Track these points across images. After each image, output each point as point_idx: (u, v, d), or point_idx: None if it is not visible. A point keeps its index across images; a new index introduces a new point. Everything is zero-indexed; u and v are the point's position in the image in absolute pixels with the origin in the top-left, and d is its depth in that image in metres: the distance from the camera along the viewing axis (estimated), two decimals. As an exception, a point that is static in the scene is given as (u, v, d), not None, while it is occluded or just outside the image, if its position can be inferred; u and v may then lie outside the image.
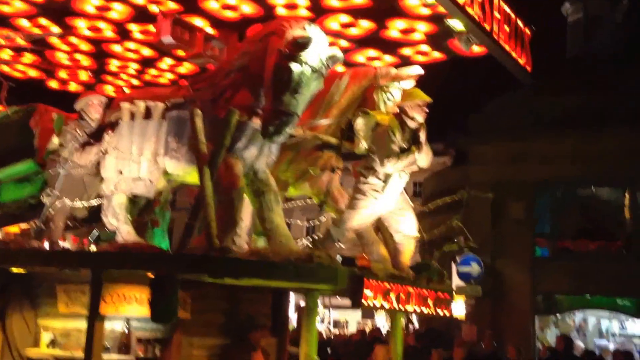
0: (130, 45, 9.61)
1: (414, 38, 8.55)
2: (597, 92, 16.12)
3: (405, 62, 9.09)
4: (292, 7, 7.88)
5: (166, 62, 10.36)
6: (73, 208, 7.42)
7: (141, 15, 8.41)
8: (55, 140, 7.47)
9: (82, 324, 7.12)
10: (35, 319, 7.44)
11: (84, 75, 11.29)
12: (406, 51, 9.00)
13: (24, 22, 8.93)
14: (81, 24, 8.87)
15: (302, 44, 5.83)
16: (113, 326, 6.98)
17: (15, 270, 6.84)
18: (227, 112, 5.47)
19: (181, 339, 6.26)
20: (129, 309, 6.04)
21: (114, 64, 10.60)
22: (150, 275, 5.39)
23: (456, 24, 7.43)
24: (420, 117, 6.68)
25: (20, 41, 8.48)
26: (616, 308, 16.23)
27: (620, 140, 15.27)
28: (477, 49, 8.11)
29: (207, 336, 6.57)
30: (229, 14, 8.15)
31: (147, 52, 9.86)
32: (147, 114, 6.82)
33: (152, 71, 10.84)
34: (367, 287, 5.47)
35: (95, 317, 5.61)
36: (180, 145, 6.60)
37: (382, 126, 6.69)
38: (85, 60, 10.45)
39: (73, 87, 11.81)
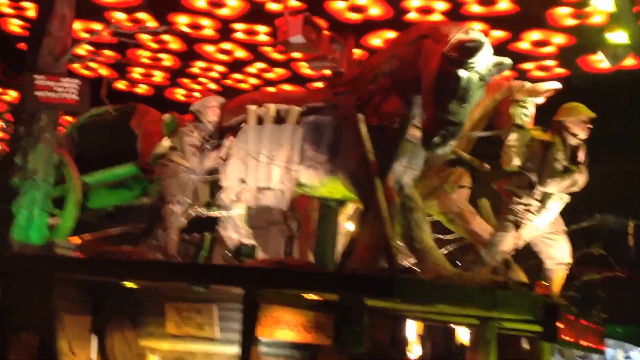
0: (226, 45, 9.42)
1: (542, 51, 8.33)
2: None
3: (521, 77, 8.87)
4: (426, 11, 7.67)
5: (256, 67, 10.18)
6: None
7: (253, 14, 8.22)
8: (165, 143, 7.22)
9: (195, 347, 6.85)
10: (137, 340, 7.16)
11: (158, 77, 11.14)
12: (527, 65, 8.77)
13: (119, 15, 8.74)
14: (182, 20, 8.67)
15: (472, 49, 5.57)
16: (228, 350, 6.69)
17: (128, 284, 6.55)
18: (402, 120, 5.19)
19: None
20: (282, 334, 5.73)
21: (197, 66, 10.42)
22: (311, 296, 5.11)
23: (617, 36, 7.17)
24: (583, 134, 6.41)
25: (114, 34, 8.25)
26: (621, 337, 15.82)
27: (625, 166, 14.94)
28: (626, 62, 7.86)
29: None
30: (352, 16, 7.94)
31: (241, 54, 9.68)
32: (279, 118, 6.56)
33: (237, 75, 10.67)
34: (562, 320, 5.15)
35: (250, 341, 5.28)
36: (318, 153, 6.33)
37: (541, 142, 6.42)
38: (168, 61, 10.27)
39: (142, 89, 11.66)
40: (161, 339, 7.05)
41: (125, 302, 7.24)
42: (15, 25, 9.12)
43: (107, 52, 9.99)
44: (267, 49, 9.37)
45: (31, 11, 8.69)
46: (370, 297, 4.61)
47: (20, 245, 7.28)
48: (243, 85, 10.95)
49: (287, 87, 10.74)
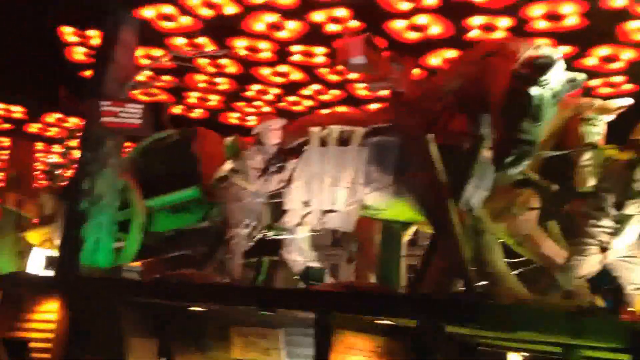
0: (283, 68, 9.52)
1: (610, 67, 8.17)
2: None
3: (587, 94, 8.70)
4: (489, 28, 7.62)
5: (311, 88, 10.25)
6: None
7: (312, 35, 8.30)
8: (227, 166, 7.30)
9: (260, 371, 6.89)
10: (202, 362, 7.22)
11: (214, 101, 11.30)
12: (594, 82, 8.59)
13: (179, 40, 8.93)
14: (240, 44, 8.82)
15: (544, 66, 5.49)
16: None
17: (195, 308, 6.62)
18: (475, 139, 5.13)
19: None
20: None
21: (253, 89, 10.55)
22: (383, 321, 5.05)
23: None
24: (663, 153, 6.22)
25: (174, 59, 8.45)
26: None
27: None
28: None
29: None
30: (411, 35, 7.95)
31: (297, 76, 9.76)
32: (343, 140, 6.58)
33: (292, 97, 10.75)
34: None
35: None
36: (383, 175, 6.32)
37: (619, 162, 6.26)
38: (225, 84, 10.43)
39: (196, 113, 11.84)
40: (226, 362, 7.12)
41: (190, 325, 7.31)
42: (79, 54, 9.41)
43: (165, 77, 10.20)
44: (324, 70, 9.43)
45: (95, 39, 8.95)
46: (452, 323, 4.52)
47: (87, 268, 7.44)
48: (297, 108, 11.02)
49: (342, 108, 10.77)
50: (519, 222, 7.12)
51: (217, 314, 6.91)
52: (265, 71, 9.73)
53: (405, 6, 7.44)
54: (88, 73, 10.24)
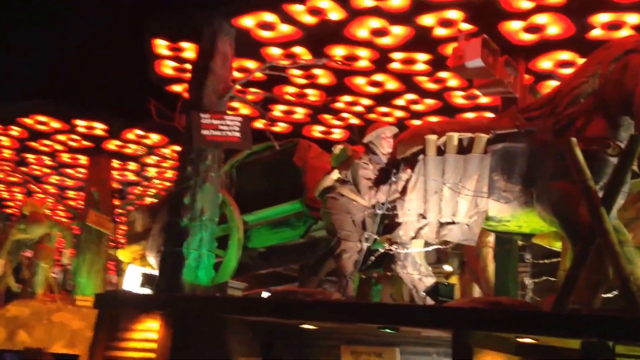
0: (378, 77, 9.45)
1: None
2: None
3: None
4: (615, 26, 7.38)
5: (405, 98, 10.14)
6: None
7: (416, 41, 8.21)
8: (333, 176, 7.22)
9: (376, 393, 6.73)
10: (309, 385, 7.12)
11: (299, 114, 11.30)
12: None
13: (274, 51, 8.95)
14: (339, 52, 8.78)
15: (693, 62, 5.25)
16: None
17: (307, 326, 6.52)
18: (632, 142, 4.89)
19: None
20: None
21: (342, 100, 10.51)
22: (527, 340, 4.84)
23: None
24: None
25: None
26: None
27: None
28: None
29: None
30: (525, 37, 7.76)
31: (392, 85, 9.67)
32: (463, 147, 6.42)
33: (383, 108, 10.66)
34: None
35: None
36: (510, 183, 6.15)
37: None
38: (314, 96, 10.41)
39: (280, 127, 11.86)
40: (336, 386, 6.98)
41: (296, 344, 7.22)
42: (169, 67, 9.54)
43: (254, 90, 10.26)
44: (422, 78, 9.31)
45: (187, 52, 9.06)
46: (622, 342, 4.28)
47: (190, 286, 7.44)
48: (387, 119, 10.91)
49: (434, 119, 10.62)
50: (643, 232, 6.84)
51: (327, 332, 6.79)
52: (359, 81, 9.66)
53: (527, 5, 7.26)
54: (177, 88, 10.45)
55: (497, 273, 7.31)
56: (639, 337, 4.22)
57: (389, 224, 6.90)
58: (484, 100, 9.73)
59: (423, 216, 6.57)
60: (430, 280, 6.55)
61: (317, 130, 11.90)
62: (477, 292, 7.93)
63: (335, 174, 7.27)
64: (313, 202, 7.70)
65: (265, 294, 8.36)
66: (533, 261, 7.93)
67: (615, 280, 5.17)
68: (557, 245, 7.42)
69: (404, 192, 6.75)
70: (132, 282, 8.43)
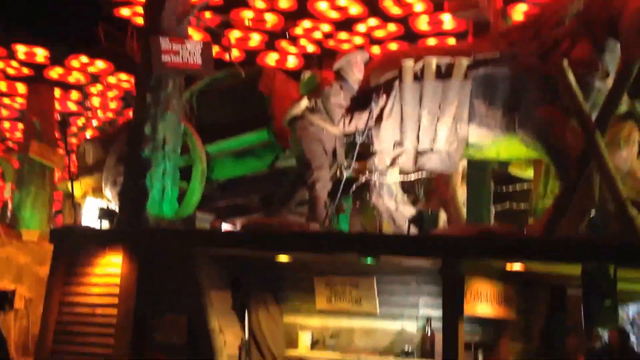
0: (342, 1, 9.07)
1: None
2: None
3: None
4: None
5: (367, 24, 9.81)
6: None
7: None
8: (303, 104, 6.92)
9: (353, 323, 6.65)
10: (281, 316, 6.98)
11: (255, 41, 10.84)
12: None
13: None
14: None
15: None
16: (390, 326, 6.46)
17: (281, 258, 6.34)
18: (627, 66, 4.77)
19: (510, 344, 5.68)
20: (483, 308, 5.45)
21: (302, 26, 10.10)
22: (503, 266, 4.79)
23: None
24: None
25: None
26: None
27: None
28: None
29: (527, 342, 6.00)
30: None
31: (355, 10, 9.32)
32: (442, 73, 6.22)
33: (343, 35, 10.32)
34: None
35: (455, 318, 4.99)
36: (492, 109, 6.00)
37: None
38: (272, 22, 9.96)
39: (234, 54, 11.38)
40: (309, 315, 6.88)
41: (267, 277, 7.06)
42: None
43: (209, 15, 9.74)
44: (388, 3, 8.99)
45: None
46: (624, 266, 4.26)
47: (155, 219, 7.13)
48: (346, 46, 10.59)
49: (395, 46, 10.36)
50: (621, 157, 6.86)
51: (299, 264, 6.64)
52: (322, 5, 9.27)
53: None
54: (125, 12, 9.81)
55: (470, 200, 7.25)
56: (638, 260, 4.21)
57: (362, 152, 6.72)
58: (448, 26, 9.51)
59: (400, 144, 6.41)
60: (407, 210, 6.44)
61: (272, 59, 11.49)
62: (442, 219, 7.90)
63: (304, 102, 6.98)
64: (281, 131, 7.41)
65: (225, 226, 8.13)
66: (496, 188, 7.92)
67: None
68: (529, 173, 7.41)
69: (378, 120, 6.55)
70: (90, 216, 8.04)
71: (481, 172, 7.23)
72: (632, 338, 14.33)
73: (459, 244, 4.90)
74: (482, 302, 5.34)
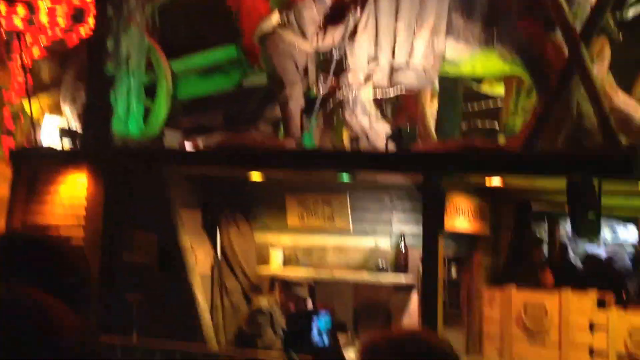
0: None
1: None
2: None
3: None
4: None
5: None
6: None
7: None
8: (273, 19, 6.68)
9: (325, 240, 6.67)
10: (252, 233, 6.95)
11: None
12: None
13: None
14: None
15: None
16: (363, 242, 6.50)
17: (255, 177, 6.25)
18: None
19: (482, 258, 5.78)
20: (461, 223, 5.48)
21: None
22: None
23: None
24: None
25: None
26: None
27: None
28: None
29: (496, 256, 6.12)
30: None
31: None
32: (419, -16, 6.05)
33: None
34: None
35: (434, 234, 5.00)
36: (470, 23, 5.90)
37: None
38: None
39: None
40: (281, 232, 6.87)
41: (237, 195, 6.99)
42: None
43: None
44: None
45: None
46: (607, 177, 4.30)
47: (121, 138, 6.90)
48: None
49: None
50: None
51: (271, 182, 6.57)
52: None
53: None
54: None
55: (442, 117, 7.21)
56: (623, 172, 4.26)
57: (335, 68, 6.57)
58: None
59: (374, 59, 6.29)
60: (382, 127, 6.38)
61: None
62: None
63: (275, 17, 6.73)
64: (250, 48, 7.16)
65: (187, 145, 7.93)
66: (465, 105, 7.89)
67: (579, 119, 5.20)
68: (498, 90, 7.39)
69: (352, 34, 6.38)
70: (49, 135, 7.73)
71: (453, 89, 7.17)
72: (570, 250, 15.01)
73: (442, 159, 4.87)
74: (461, 217, 5.39)
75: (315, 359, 2.35)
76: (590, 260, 12.02)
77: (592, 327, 6.08)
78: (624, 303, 6.98)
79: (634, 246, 16.21)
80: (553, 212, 10.08)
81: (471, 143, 5.12)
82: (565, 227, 9.25)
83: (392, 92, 6.69)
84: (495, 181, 5.27)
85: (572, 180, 4.34)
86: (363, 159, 5.42)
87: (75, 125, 7.55)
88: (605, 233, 17.07)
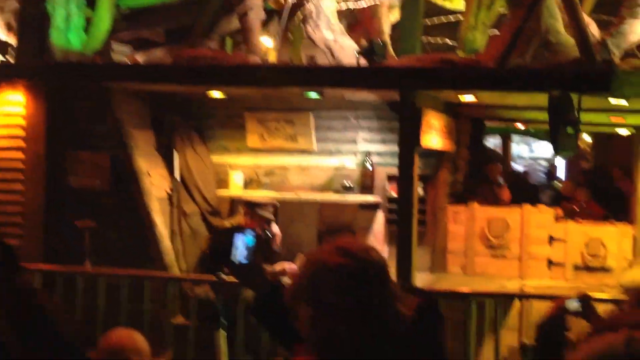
0: None
1: None
2: None
3: None
4: None
5: None
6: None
7: None
8: None
9: (289, 161, 6.45)
10: (209, 155, 6.63)
11: None
12: None
13: None
14: None
15: None
16: (326, 162, 6.32)
17: (214, 95, 5.87)
18: None
19: (446, 176, 5.74)
20: (433, 140, 5.32)
21: None
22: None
23: None
24: None
25: None
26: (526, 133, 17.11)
27: None
28: None
29: (456, 172, 6.10)
30: None
31: None
32: None
33: None
34: None
35: (411, 152, 4.83)
36: None
37: None
38: None
39: None
40: (240, 153, 6.59)
41: (192, 114, 6.62)
42: None
43: None
44: None
45: None
46: (586, 93, 4.26)
47: (62, 51, 6.30)
48: None
49: None
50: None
51: (229, 100, 6.22)
52: None
53: None
54: None
55: (404, 34, 6.98)
56: (601, 88, 4.23)
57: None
58: None
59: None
60: (347, 41, 6.11)
61: None
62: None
63: None
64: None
65: (136, 59, 7.41)
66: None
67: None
68: (456, 5, 7.21)
69: (316, -59, 5.99)
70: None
71: (413, 3, 6.92)
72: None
73: (419, 74, 4.70)
74: (433, 134, 5.28)
75: (237, 279, 2.27)
76: (510, 174, 12.52)
77: (551, 240, 6.25)
78: (572, 216, 7.24)
79: (546, 160, 17.03)
80: (507, 129, 10.22)
81: (448, 58, 4.96)
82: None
83: (352, 5, 6.41)
84: (468, 97, 5.16)
85: (553, 96, 4.28)
86: (336, 75, 5.17)
87: (5, 36, 6.88)
88: (522, 150, 17.82)
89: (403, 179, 4.95)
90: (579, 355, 0.87)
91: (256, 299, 2.18)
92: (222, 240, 2.08)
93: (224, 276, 4.13)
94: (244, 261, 2.15)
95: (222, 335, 3.64)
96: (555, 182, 12.07)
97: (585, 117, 4.68)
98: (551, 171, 14.54)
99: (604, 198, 8.56)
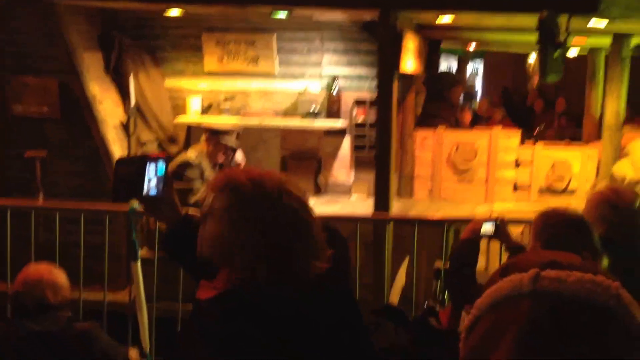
0: None
1: None
2: None
3: None
4: None
5: None
6: None
7: None
8: None
9: (250, 85, 6.13)
10: (163, 78, 6.24)
11: None
12: None
13: None
14: None
15: None
16: (290, 86, 6.03)
17: (173, 11, 5.44)
18: None
19: (414, 99, 5.56)
20: (409, 64, 5.07)
21: None
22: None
23: None
24: None
25: None
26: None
27: None
28: None
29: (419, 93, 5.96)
30: None
31: None
32: None
33: None
34: None
35: (390, 75, 4.59)
36: None
37: None
38: None
39: None
40: (197, 77, 6.22)
41: (143, 33, 6.17)
42: None
43: None
44: None
45: None
46: (575, 14, 4.10)
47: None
48: None
49: None
50: None
51: (184, 19, 5.80)
52: None
53: None
54: None
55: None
56: (589, 9, 4.09)
57: None
58: None
59: None
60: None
61: None
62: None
63: None
64: None
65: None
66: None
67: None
68: None
69: None
70: None
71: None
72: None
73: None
74: (409, 57, 5.06)
75: (147, 211, 2.14)
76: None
77: (517, 163, 6.22)
78: (534, 138, 7.24)
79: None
80: (457, 50, 10.04)
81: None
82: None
83: None
84: (445, 19, 4.94)
85: (543, 17, 4.11)
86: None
87: None
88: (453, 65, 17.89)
89: (382, 106, 4.74)
90: (486, 299, 0.84)
91: (166, 232, 2.02)
92: (130, 170, 1.85)
93: (136, 207, 3.93)
94: (153, 192, 1.95)
95: (137, 266, 3.76)
96: (474, 101, 12.09)
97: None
98: (469, 92, 14.60)
99: (517, 117, 8.86)
